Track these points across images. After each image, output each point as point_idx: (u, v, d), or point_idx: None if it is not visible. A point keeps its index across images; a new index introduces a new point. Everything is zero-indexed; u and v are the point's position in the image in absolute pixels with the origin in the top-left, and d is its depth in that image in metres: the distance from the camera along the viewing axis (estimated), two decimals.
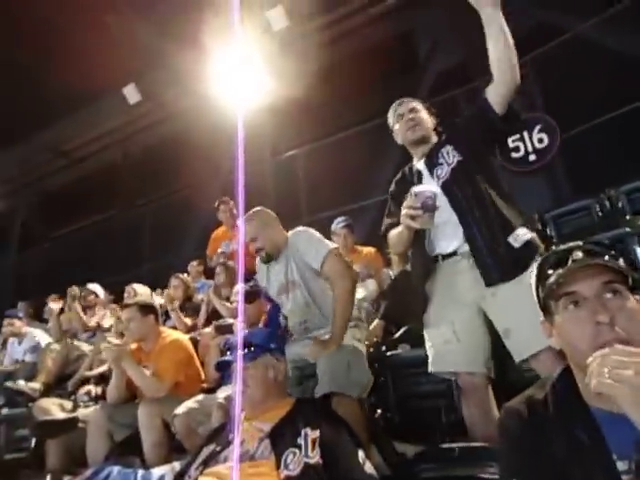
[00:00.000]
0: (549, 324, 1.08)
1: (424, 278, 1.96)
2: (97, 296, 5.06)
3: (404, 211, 1.81)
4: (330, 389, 2.10)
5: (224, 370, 2.01)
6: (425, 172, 2.04)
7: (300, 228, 2.53)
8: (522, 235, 1.81)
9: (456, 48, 6.35)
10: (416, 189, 1.82)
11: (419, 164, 2.09)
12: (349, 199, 6.29)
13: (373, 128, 6.28)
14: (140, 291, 4.52)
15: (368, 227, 5.04)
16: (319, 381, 2.16)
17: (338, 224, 4.09)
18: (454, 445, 1.77)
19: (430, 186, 1.86)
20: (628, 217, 3.73)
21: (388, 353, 2.80)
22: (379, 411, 2.67)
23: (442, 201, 1.86)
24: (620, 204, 4.07)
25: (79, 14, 6.59)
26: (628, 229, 3.16)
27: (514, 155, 5.49)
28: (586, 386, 0.95)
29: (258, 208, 2.59)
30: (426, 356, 2.00)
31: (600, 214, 4.08)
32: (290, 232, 2.53)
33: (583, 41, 5.36)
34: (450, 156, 1.97)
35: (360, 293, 3.51)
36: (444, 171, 1.96)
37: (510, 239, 1.80)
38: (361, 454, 1.64)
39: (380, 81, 6.79)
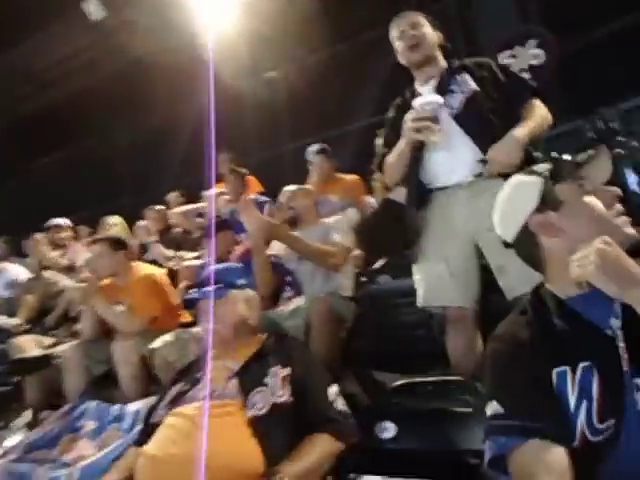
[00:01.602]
0: (547, 218, 1.06)
1: (419, 209, 1.87)
2: (71, 230, 4.88)
3: (409, 124, 1.74)
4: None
5: (192, 307, 1.92)
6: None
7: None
8: None
9: None
10: (421, 100, 1.74)
11: (424, 88, 1.92)
12: (333, 124, 6.00)
13: (357, 45, 5.90)
14: (114, 222, 4.36)
15: (352, 153, 4.82)
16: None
17: (311, 152, 3.84)
18: (430, 379, 1.74)
19: (434, 96, 1.77)
20: (621, 139, 3.56)
21: (368, 284, 2.73)
22: (359, 340, 2.64)
23: (450, 130, 1.78)
24: (613, 125, 3.89)
25: None
26: (620, 151, 3.01)
27: None
28: (559, 282, 1.04)
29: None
30: (407, 287, 1.94)
31: (594, 136, 3.89)
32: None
33: None
34: (466, 85, 1.82)
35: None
36: (457, 100, 1.81)
37: None
38: (333, 390, 1.59)
39: None
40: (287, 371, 1.59)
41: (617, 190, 1.08)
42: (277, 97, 6.45)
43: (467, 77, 1.83)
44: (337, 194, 3.68)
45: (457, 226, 1.78)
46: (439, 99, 1.74)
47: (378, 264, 2.92)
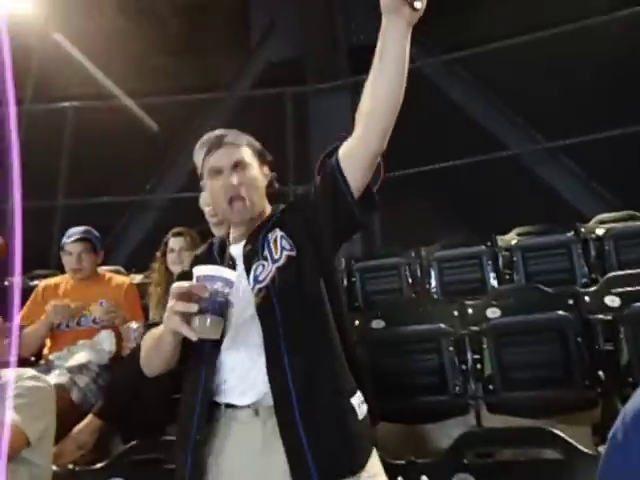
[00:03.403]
0: None
1: (200, 429, 1.17)
2: None
3: (172, 303, 1.09)
4: None
5: None
6: (240, 266, 1.30)
7: None
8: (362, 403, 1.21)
9: (293, 36, 5.56)
10: (201, 271, 1.13)
11: (235, 248, 1.36)
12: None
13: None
14: None
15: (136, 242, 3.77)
16: None
17: (70, 237, 2.74)
18: None
19: (224, 270, 1.14)
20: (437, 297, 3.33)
21: None
22: None
23: (246, 317, 1.21)
24: (431, 269, 3.67)
25: None
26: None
27: None
28: None
29: None
30: None
31: (409, 279, 3.61)
32: None
33: (422, 78, 5.04)
34: (278, 247, 1.29)
35: (83, 356, 2.41)
36: (266, 272, 1.25)
37: (353, 401, 1.18)
38: None
39: (201, 48, 5.64)
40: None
41: None
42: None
43: (280, 234, 1.29)
44: (96, 307, 2.60)
45: (248, 470, 1.12)
46: (227, 274, 1.12)
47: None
